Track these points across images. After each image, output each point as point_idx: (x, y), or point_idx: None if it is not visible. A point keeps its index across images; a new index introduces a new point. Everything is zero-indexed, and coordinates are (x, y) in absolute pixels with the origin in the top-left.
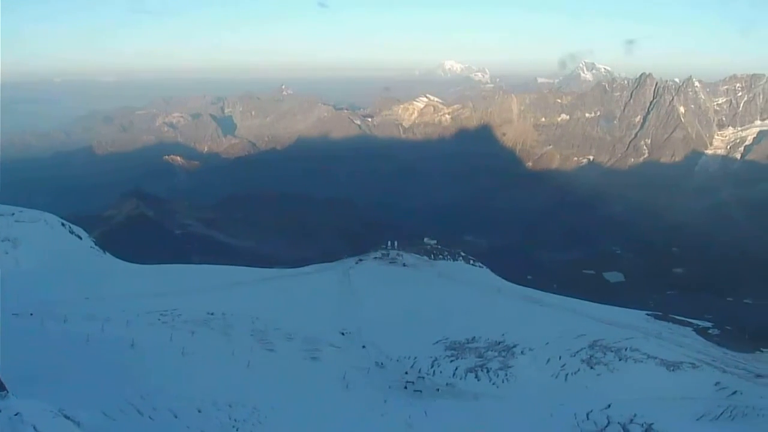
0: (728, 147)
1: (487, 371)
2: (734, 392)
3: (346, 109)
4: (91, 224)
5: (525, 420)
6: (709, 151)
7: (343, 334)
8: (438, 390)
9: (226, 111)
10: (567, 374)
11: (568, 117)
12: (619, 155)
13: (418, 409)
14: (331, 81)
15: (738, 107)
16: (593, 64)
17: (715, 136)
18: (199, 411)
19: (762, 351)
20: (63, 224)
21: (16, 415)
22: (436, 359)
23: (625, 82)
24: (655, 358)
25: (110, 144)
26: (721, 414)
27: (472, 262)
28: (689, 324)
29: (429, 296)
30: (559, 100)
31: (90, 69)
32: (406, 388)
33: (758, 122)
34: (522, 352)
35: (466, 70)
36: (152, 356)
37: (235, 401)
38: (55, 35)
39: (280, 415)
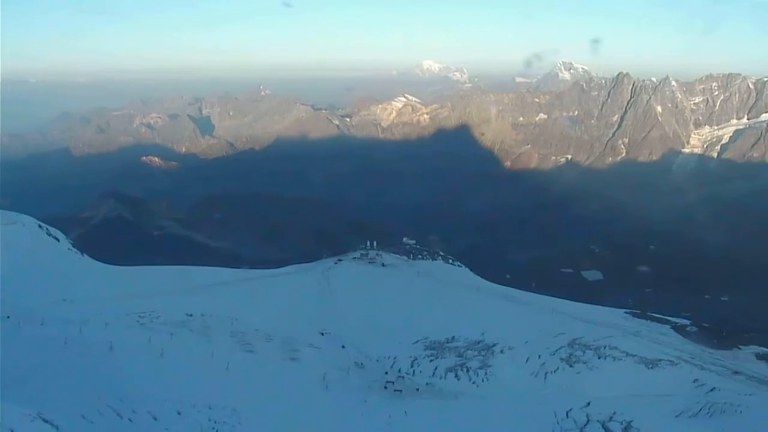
0: (705, 146)
1: (467, 370)
2: (712, 389)
3: (325, 110)
4: (69, 226)
5: (505, 419)
6: (686, 150)
7: (322, 334)
8: (418, 390)
9: (204, 111)
10: (546, 373)
11: (546, 116)
12: (597, 154)
13: (398, 409)
14: (310, 81)
15: (714, 106)
16: (571, 63)
17: (692, 135)
18: (179, 413)
19: (739, 348)
20: (40, 226)
21: None
22: (415, 359)
23: (603, 81)
24: (634, 355)
25: (87, 145)
26: (700, 410)
27: (451, 261)
28: (667, 322)
29: (408, 296)
30: (537, 100)
31: (65, 69)
32: (386, 388)
33: (734, 121)
34: (501, 351)
35: (444, 69)
36: (131, 358)
37: (215, 403)
38: (29, 35)
39: (260, 417)
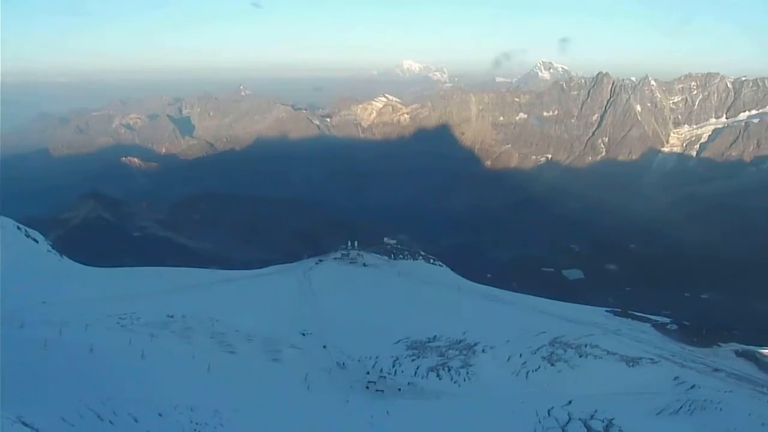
0: (684, 145)
1: (449, 370)
2: (693, 386)
3: (305, 110)
4: (48, 227)
5: (487, 418)
6: (665, 149)
7: (304, 335)
8: (400, 389)
9: (183, 112)
10: (528, 371)
11: (526, 116)
12: (577, 154)
13: (380, 409)
14: (290, 81)
15: (693, 105)
16: (551, 63)
17: (671, 134)
18: (160, 415)
19: (719, 345)
20: (19, 228)
21: None
22: (397, 359)
23: (583, 81)
24: (615, 354)
25: (66, 146)
26: (680, 408)
27: (432, 261)
28: (648, 320)
29: (389, 296)
30: (517, 99)
31: (44, 70)
32: (367, 388)
33: (713, 120)
34: (483, 351)
35: (424, 69)
36: (111, 360)
37: (197, 404)
38: (7, 35)
39: (242, 418)
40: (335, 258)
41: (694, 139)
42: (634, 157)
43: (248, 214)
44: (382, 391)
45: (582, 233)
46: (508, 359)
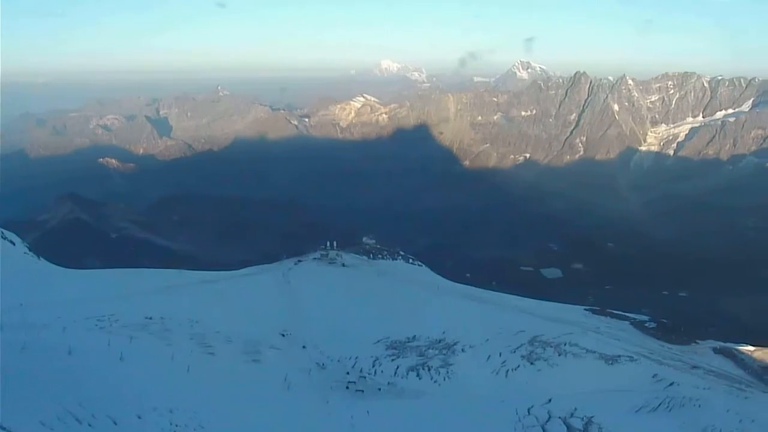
0: (661, 144)
1: (429, 369)
2: (671, 383)
3: (284, 110)
4: (25, 229)
5: (467, 417)
6: (642, 148)
7: (283, 335)
8: (380, 389)
9: (161, 112)
10: (507, 370)
11: (504, 115)
12: (555, 153)
13: (360, 409)
14: (268, 81)
15: (670, 105)
16: (528, 63)
17: (649, 133)
18: (139, 417)
19: (697, 343)
20: None
21: None
22: (377, 359)
23: (560, 80)
24: (594, 352)
25: (43, 147)
26: (659, 405)
27: (411, 260)
28: (626, 318)
29: (369, 296)
30: (495, 99)
31: (19, 70)
32: (347, 388)
33: (690, 119)
34: (462, 350)
35: (402, 69)
36: (90, 363)
37: (176, 406)
38: None
39: (222, 419)
40: (314, 258)
41: (671, 138)
42: (611, 156)
43: (227, 215)
44: (362, 391)
45: (560, 232)
46: (488, 358)
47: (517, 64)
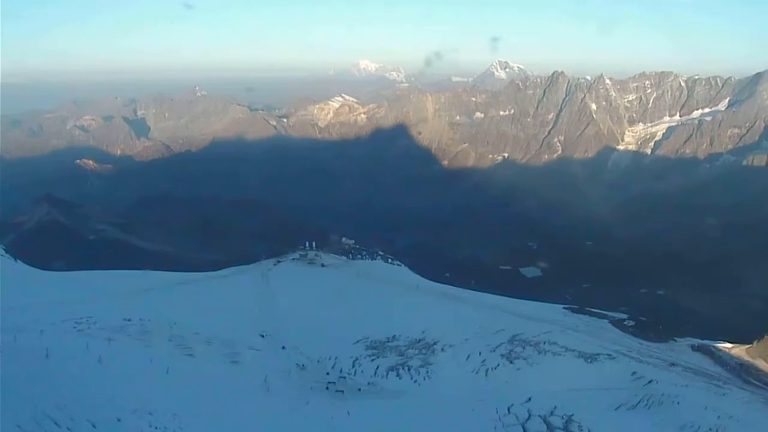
0: (639, 142)
1: (409, 369)
2: (650, 381)
3: (262, 110)
4: (1, 232)
5: (447, 416)
6: (620, 147)
7: (262, 336)
8: (360, 389)
9: (138, 113)
10: (487, 369)
11: (482, 115)
12: (534, 152)
13: (340, 410)
14: (245, 82)
15: (648, 104)
16: (507, 63)
17: (626, 132)
18: (119, 419)
19: (675, 340)
20: None
21: None
22: (357, 359)
23: (538, 80)
24: (573, 350)
25: (19, 148)
26: (638, 403)
27: (390, 260)
28: (605, 316)
29: (348, 296)
30: (473, 99)
31: None
32: (327, 388)
33: (667, 118)
34: (442, 349)
35: (380, 69)
36: (68, 365)
37: (155, 408)
38: None
39: (201, 421)
40: (293, 259)
41: (648, 137)
42: (589, 155)
43: (205, 216)
44: (342, 391)
45: (539, 231)
46: (468, 358)
47: (495, 63)
